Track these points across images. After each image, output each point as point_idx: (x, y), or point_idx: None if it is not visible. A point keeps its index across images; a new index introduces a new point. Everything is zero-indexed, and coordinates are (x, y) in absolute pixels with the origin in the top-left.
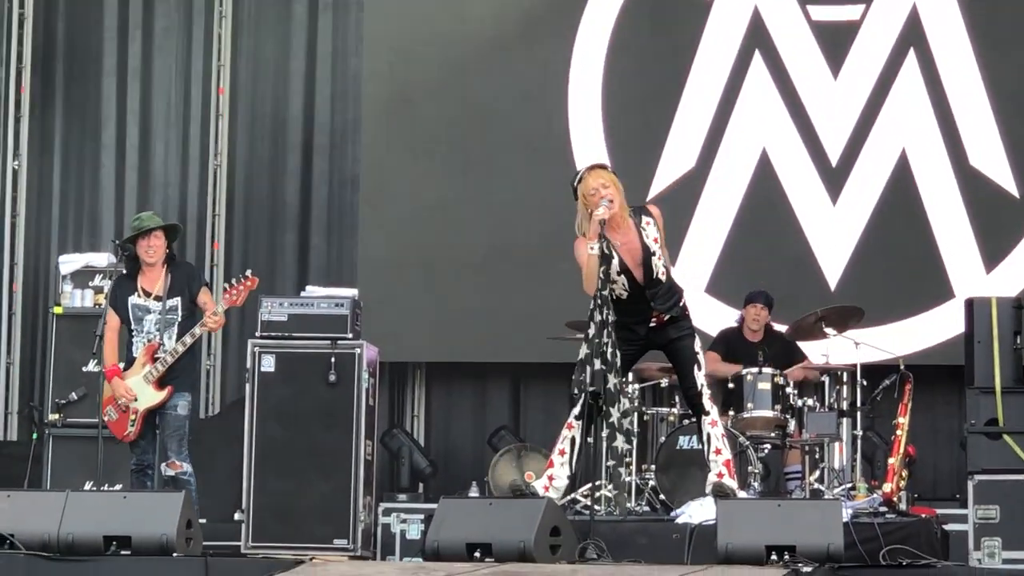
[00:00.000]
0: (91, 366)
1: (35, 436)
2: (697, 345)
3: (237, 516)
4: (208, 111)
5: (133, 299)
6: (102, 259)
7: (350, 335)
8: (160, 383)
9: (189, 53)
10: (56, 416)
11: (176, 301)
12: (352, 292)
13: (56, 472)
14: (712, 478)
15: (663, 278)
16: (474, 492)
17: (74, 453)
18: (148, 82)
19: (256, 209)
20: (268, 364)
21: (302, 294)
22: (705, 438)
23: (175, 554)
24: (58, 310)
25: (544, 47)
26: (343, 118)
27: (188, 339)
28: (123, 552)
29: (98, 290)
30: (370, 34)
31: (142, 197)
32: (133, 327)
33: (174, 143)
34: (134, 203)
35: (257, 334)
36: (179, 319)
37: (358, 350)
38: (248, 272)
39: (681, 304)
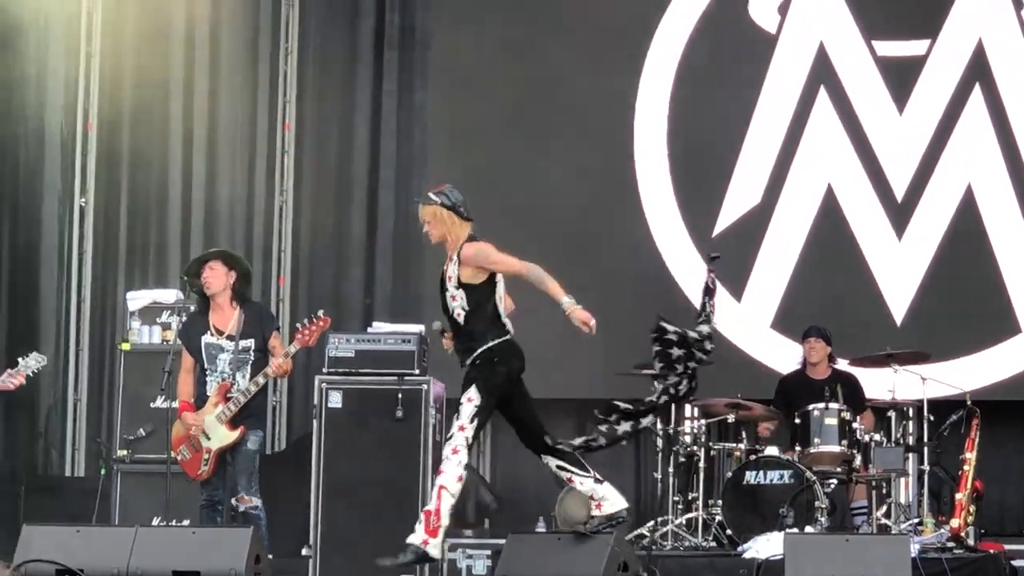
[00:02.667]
0: (159, 402)
1: (103, 472)
2: (466, 395)
3: (304, 552)
4: (274, 147)
5: (206, 338)
6: (169, 295)
7: (417, 371)
8: (233, 422)
9: (255, 89)
10: (124, 452)
11: (250, 342)
12: (419, 328)
13: (124, 507)
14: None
15: (460, 320)
16: (541, 527)
17: (142, 489)
18: (215, 118)
19: (321, 244)
20: (335, 400)
21: (369, 330)
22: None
23: None
24: (125, 346)
25: (609, 82)
26: (408, 152)
27: (260, 379)
28: None
29: (165, 326)
30: (435, 69)
31: (208, 233)
32: (207, 366)
33: (240, 179)
34: (200, 239)
35: (324, 370)
36: (252, 359)
37: (425, 386)
38: (320, 312)
39: (479, 355)
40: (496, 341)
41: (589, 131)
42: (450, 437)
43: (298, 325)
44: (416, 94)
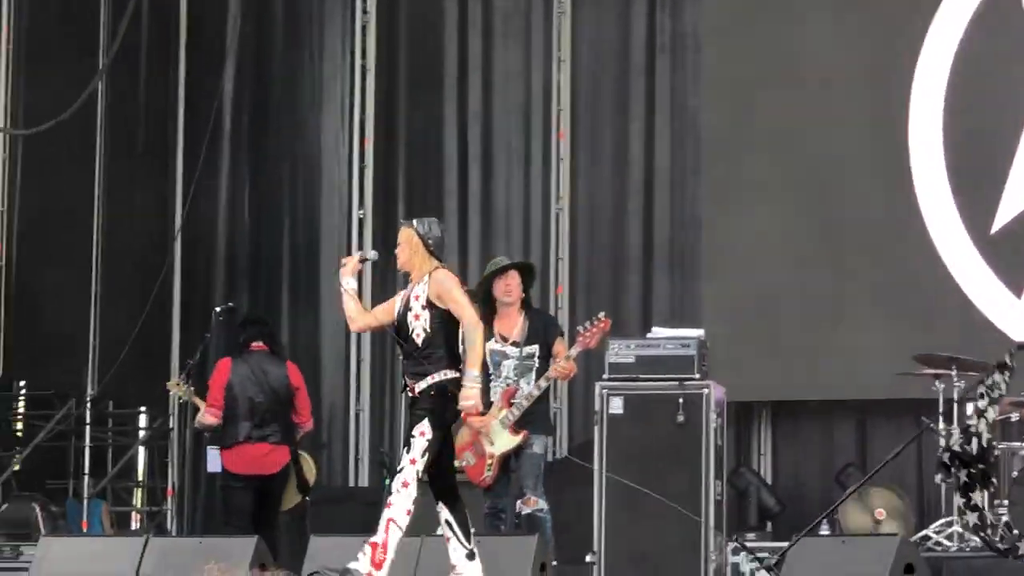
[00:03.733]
0: None
1: (387, 482)
2: (418, 428)
3: (588, 558)
4: (549, 155)
5: (491, 345)
6: None
7: (697, 375)
8: (516, 427)
9: (528, 98)
10: None
11: (534, 348)
12: (698, 332)
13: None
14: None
15: (418, 342)
16: (825, 530)
17: (426, 498)
18: (488, 128)
19: (599, 251)
20: (616, 406)
21: (648, 335)
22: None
23: None
24: None
25: (883, 82)
26: (683, 157)
27: (543, 383)
28: None
29: None
30: (708, 74)
31: (485, 241)
32: (491, 372)
33: (516, 187)
34: (478, 248)
35: (605, 376)
36: (536, 365)
37: (706, 390)
38: (601, 315)
39: (433, 381)
40: (453, 375)
41: (863, 135)
42: (400, 470)
43: (579, 328)
44: (689, 100)
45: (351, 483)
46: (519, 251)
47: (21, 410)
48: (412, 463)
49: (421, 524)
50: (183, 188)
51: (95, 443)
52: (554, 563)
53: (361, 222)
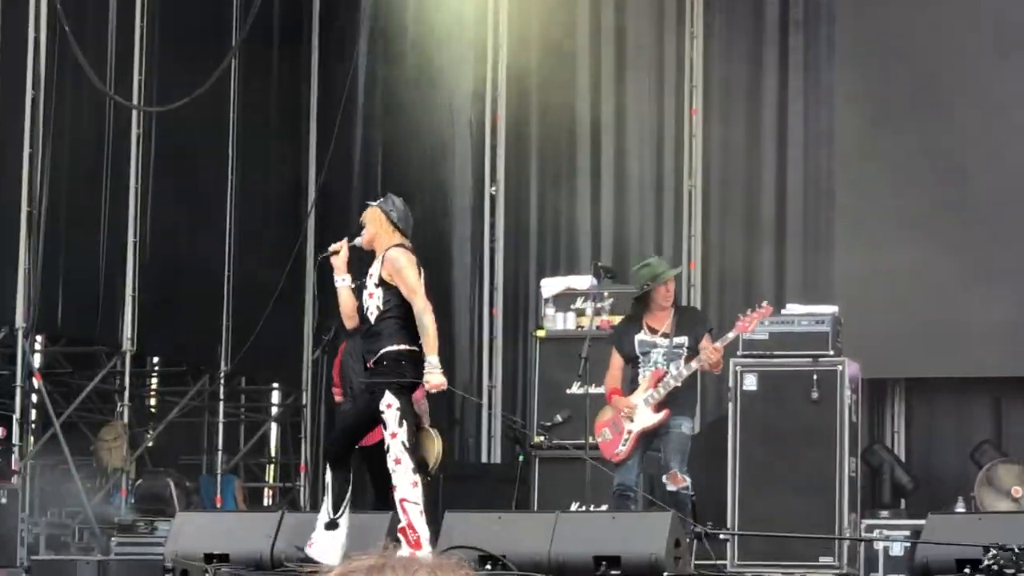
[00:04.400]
0: (575, 388)
1: (521, 458)
2: (383, 403)
3: (722, 535)
4: (681, 132)
5: (640, 336)
6: (583, 282)
7: (831, 352)
8: (658, 407)
9: (661, 75)
10: (541, 438)
11: (683, 339)
12: (832, 309)
13: (543, 493)
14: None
15: (372, 319)
16: (960, 507)
17: (560, 474)
18: (621, 104)
19: (731, 227)
20: (751, 383)
21: (782, 312)
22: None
23: (665, 573)
24: (540, 333)
25: (1019, 54)
26: (816, 131)
27: (694, 364)
28: (613, 572)
29: (580, 312)
30: (843, 47)
31: (619, 219)
32: (640, 361)
33: (648, 164)
34: (610, 225)
35: (739, 353)
36: (684, 354)
37: (840, 367)
38: (764, 303)
39: (382, 353)
40: (405, 347)
41: (999, 109)
42: (387, 449)
43: (740, 315)
44: (823, 74)
45: (484, 459)
46: (652, 227)
47: (155, 386)
48: (393, 437)
49: (557, 499)
50: (316, 164)
51: (228, 419)
52: (688, 539)
53: (493, 199)
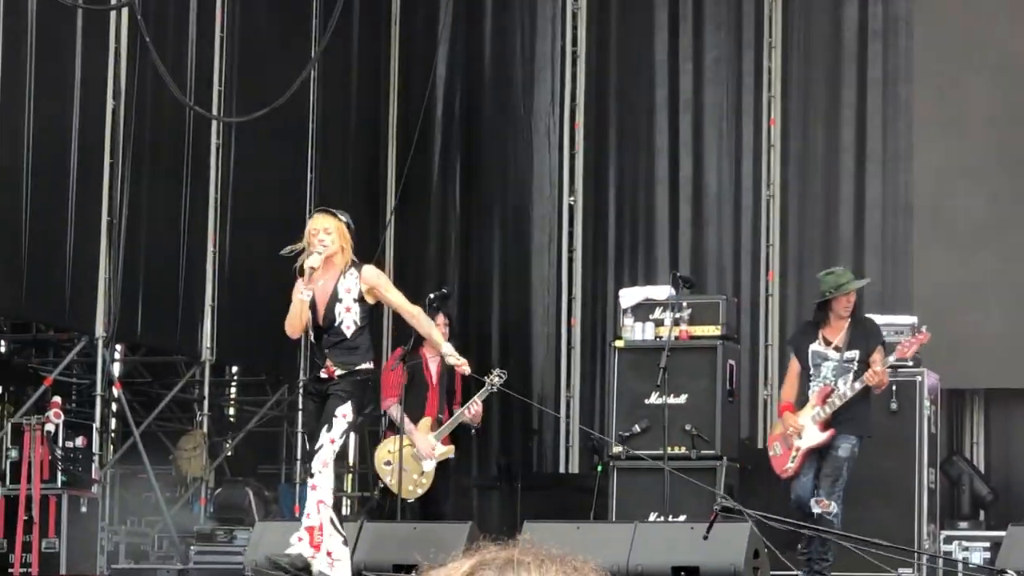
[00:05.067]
0: (653, 398)
1: (599, 468)
2: (341, 410)
3: (800, 546)
4: (760, 142)
5: (814, 347)
6: (662, 292)
7: (911, 363)
8: (825, 425)
9: (739, 85)
10: (620, 448)
11: (854, 354)
12: (911, 319)
13: (621, 504)
14: (292, 539)
15: (347, 332)
16: None
17: (638, 485)
18: (699, 114)
19: (809, 238)
20: None
21: None
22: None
23: None
24: (619, 343)
25: None
26: (895, 145)
27: (858, 385)
28: None
29: (658, 323)
30: (921, 60)
31: (696, 229)
32: (811, 372)
33: (726, 175)
34: (689, 235)
35: None
36: (855, 369)
37: (919, 378)
38: (923, 328)
39: (357, 368)
40: (371, 365)
41: None
42: (319, 448)
43: (900, 340)
44: (901, 86)
45: (561, 469)
46: (730, 238)
47: (234, 396)
48: (331, 442)
49: (635, 510)
50: (395, 175)
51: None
52: (766, 550)
53: (571, 208)
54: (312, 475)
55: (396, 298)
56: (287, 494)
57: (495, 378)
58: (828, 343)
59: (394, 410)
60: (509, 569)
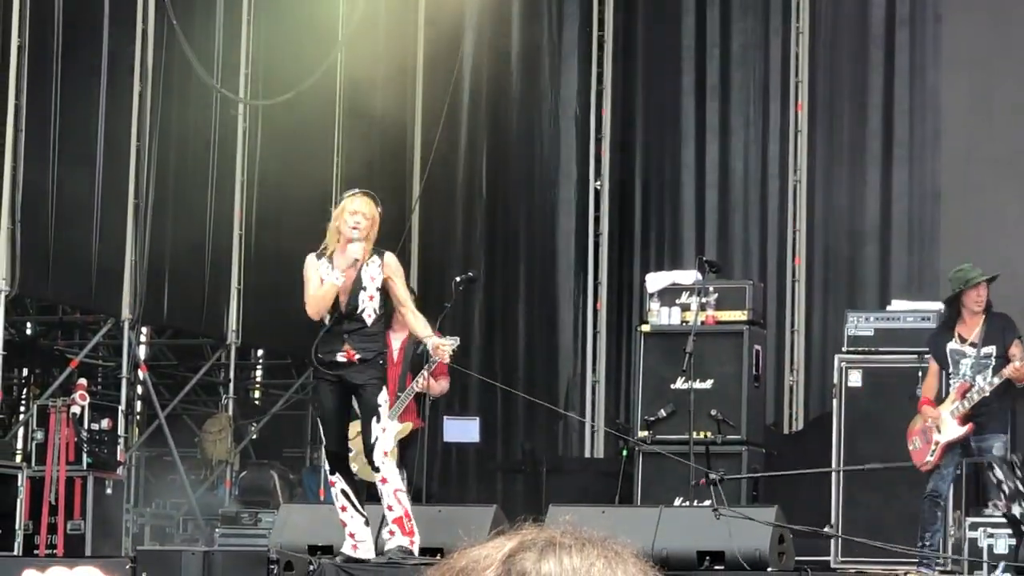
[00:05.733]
0: (679, 383)
1: (624, 453)
2: (382, 397)
3: (826, 529)
4: (787, 128)
5: (951, 344)
6: (688, 277)
7: None
8: (964, 419)
9: (767, 70)
10: (645, 433)
11: (991, 349)
12: (938, 306)
13: (646, 488)
14: (384, 535)
15: (368, 320)
16: None
17: (663, 469)
18: (726, 100)
19: (836, 224)
20: (855, 379)
21: (888, 308)
22: (380, 495)
23: (768, 568)
24: (645, 328)
25: None
26: (922, 131)
27: (996, 380)
28: (716, 567)
29: (685, 307)
30: (949, 47)
31: (723, 214)
32: (950, 370)
33: (753, 160)
34: (715, 220)
35: (844, 349)
36: (992, 364)
37: None
38: None
39: (377, 354)
40: (386, 350)
41: None
42: (375, 441)
43: None
44: (928, 72)
45: (587, 454)
46: (756, 223)
47: (259, 379)
48: (384, 431)
49: (660, 494)
50: (420, 159)
51: None
52: (791, 535)
53: (598, 192)
54: (378, 469)
55: (402, 294)
56: (311, 478)
57: (448, 347)
58: (964, 340)
59: None
60: (551, 551)
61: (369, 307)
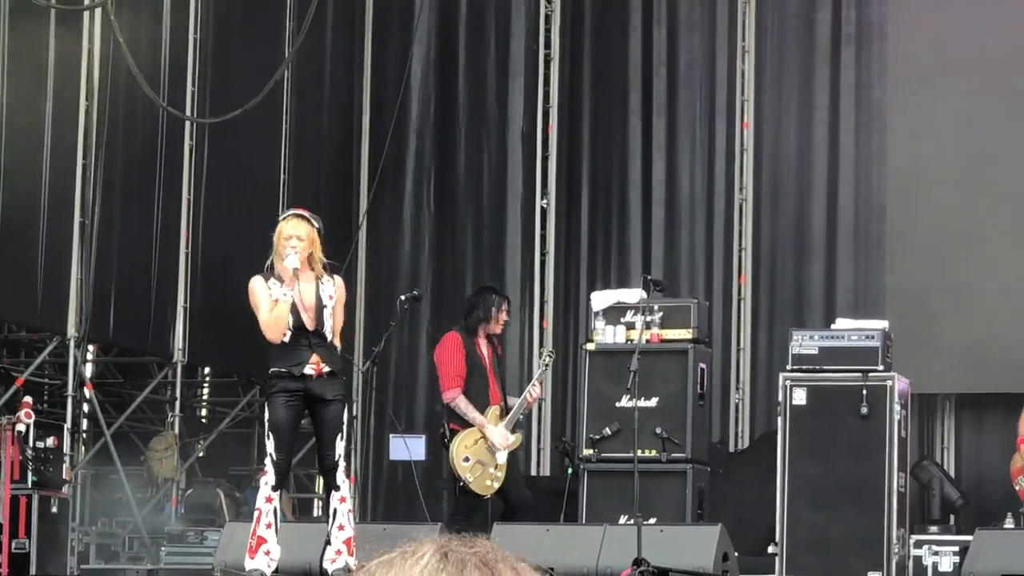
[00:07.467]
0: (624, 401)
1: (569, 471)
2: (345, 416)
3: (771, 549)
4: (732, 145)
5: None
6: (633, 295)
7: (881, 367)
8: None
9: (713, 88)
10: (590, 451)
11: None
12: (883, 324)
13: (591, 506)
14: (330, 554)
15: (329, 336)
16: (1009, 523)
17: (609, 488)
18: (673, 118)
19: (782, 242)
20: (800, 397)
21: (832, 327)
22: (331, 513)
23: None
24: (590, 346)
25: None
26: (867, 148)
27: None
28: None
29: (630, 326)
30: (894, 65)
31: (669, 232)
32: None
33: (699, 178)
34: (661, 238)
35: (788, 367)
36: None
37: (890, 382)
38: None
39: (340, 369)
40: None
41: None
42: (338, 459)
43: None
44: (874, 91)
45: (533, 472)
46: (702, 241)
47: (206, 397)
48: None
49: (605, 512)
50: (368, 177)
51: None
52: (736, 553)
53: (544, 212)
54: (338, 487)
55: (339, 319)
56: (256, 496)
57: (546, 357)
58: None
59: (460, 402)
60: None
61: (329, 324)
